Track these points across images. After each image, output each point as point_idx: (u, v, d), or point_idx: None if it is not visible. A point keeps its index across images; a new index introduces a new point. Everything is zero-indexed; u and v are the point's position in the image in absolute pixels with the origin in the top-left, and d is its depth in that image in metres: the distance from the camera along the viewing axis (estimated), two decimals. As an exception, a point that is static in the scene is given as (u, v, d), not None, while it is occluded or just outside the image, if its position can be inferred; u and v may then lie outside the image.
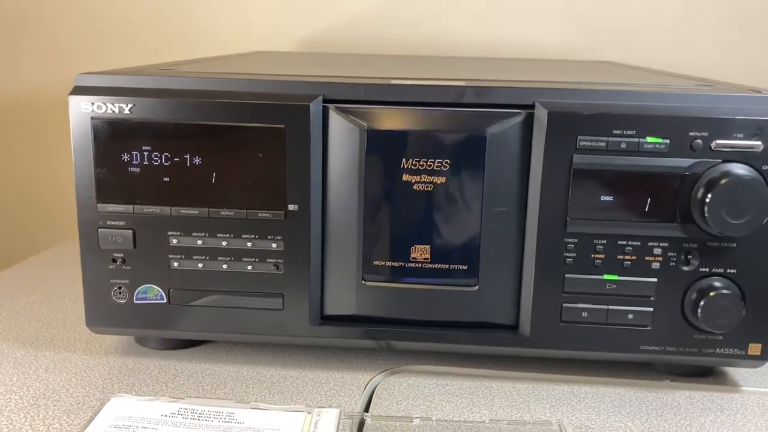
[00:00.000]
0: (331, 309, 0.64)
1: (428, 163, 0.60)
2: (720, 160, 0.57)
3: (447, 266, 0.62)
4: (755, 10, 1.13)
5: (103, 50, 1.18)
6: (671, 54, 1.15)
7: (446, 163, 0.60)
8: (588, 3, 1.15)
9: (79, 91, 0.60)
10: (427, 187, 0.60)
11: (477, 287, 0.62)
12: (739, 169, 0.57)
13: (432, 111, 0.60)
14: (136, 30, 1.18)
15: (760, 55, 1.15)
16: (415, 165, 0.60)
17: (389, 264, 0.62)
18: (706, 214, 0.56)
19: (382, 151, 0.60)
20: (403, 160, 0.60)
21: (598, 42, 1.16)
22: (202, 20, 1.17)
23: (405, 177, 0.60)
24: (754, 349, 0.61)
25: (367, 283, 0.63)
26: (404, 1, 1.16)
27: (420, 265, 0.62)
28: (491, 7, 1.16)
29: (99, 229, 0.62)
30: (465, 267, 0.62)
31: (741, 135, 0.57)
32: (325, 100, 0.60)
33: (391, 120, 0.60)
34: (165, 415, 0.54)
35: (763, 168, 0.57)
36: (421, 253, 0.62)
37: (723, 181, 0.56)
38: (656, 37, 1.16)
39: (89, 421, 0.53)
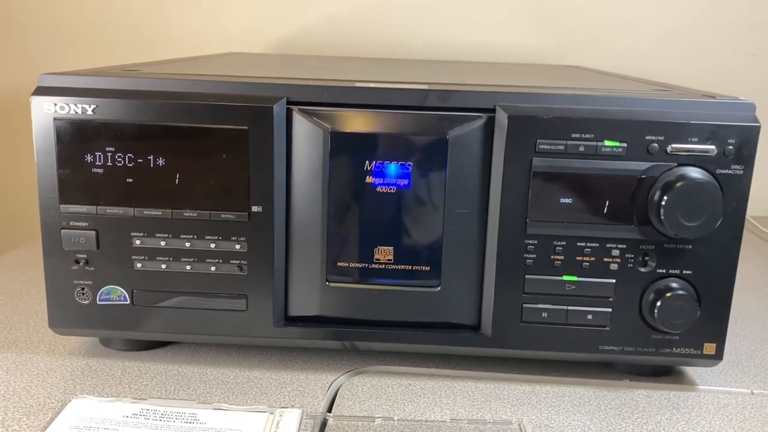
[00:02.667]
0: (295, 310, 0.64)
1: (391, 166, 0.60)
2: (675, 164, 0.59)
3: (410, 267, 0.62)
4: (727, 17, 1.16)
5: (73, 52, 1.18)
6: (643, 59, 1.17)
7: (409, 165, 0.60)
8: (561, 8, 1.17)
9: (41, 91, 0.60)
10: (390, 189, 0.61)
11: (439, 288, 0.63)
12: (694, 172, 0.58)
13: (395, 114, 0.60)
14: (110, 32, 1.17)
15: (728, 61, 1.17)
16: (379, 167, 0.61)
17: (353, 265, 0.63)
18: (662, 217, 0.58)
19: (346, 153, 0.61)
20: (367, 162, 0.61)
21: (570, 47, 1.18)
22: (174, 22, 1.17)
23: (368, 179, 0.61)
24: (709, 348, 0.62)
25: (331, 284, 0.63)
26: (377, 5, 1.17)
27: (383, 266, 0.62)
28: (465, 11, 1.17)
29: (62, 230, 0.62)
30: (428, 268, 0.62)
31: (696, 139, 0.58)
32: (288, 102, 0.60)
33: (354, 122, 0.60)
34: (127, 416, 0.54)
35: (717, 172, 0.58)
36: (384, 254, 0.62)
37: (678, 184, 0.57)
38: (628, 43, 1.17)
39: (49, 423, 0.53)
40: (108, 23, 1.17)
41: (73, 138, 0.60)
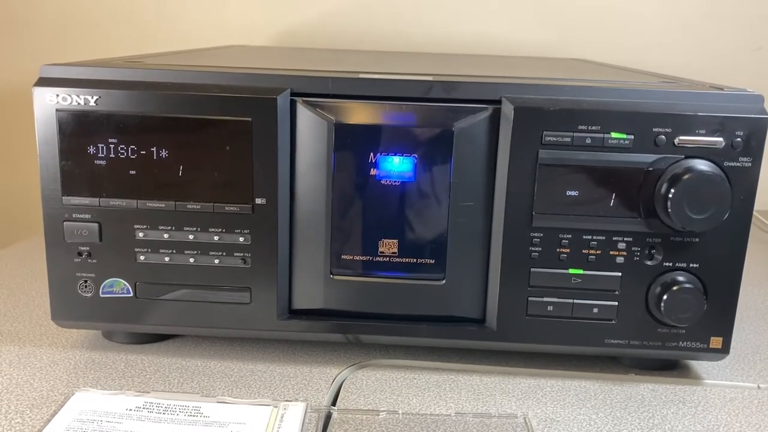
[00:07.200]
0: (299, 303, 0.64)
1: (396, 158, 0.60)
2: (683, 156, 0.58)
3: (414, 260, 0.62)
4: (732, 10, 1.15)
5: (71, 46, 1.17)
6: (647, 53, 1.17)
7: (414, 157, 0.60)
8: (564, 1, 1.16)
9: (44, 82, 0.60)
10: (395, 181, 0.60)
11: (444, 281, 0.62)
12: (702, 165, 0.58)
13: (400, 105, 0.60)
14: (108, 26, 1.17)
15: (733, 54, 1.17)
16: (383, 159, 0.60)
17: (357, 258, 0.62)
18: (669, 209, 0.57)
19: (350, 145, 0.60)
20: (371, 154, 0.60)
21: (573, 40, 1.17)
22: (177, 15, 1.16)
23: (373, 171, 0.60)
24: (716, 342, 0.62)
25: (335, 277, 0.63)
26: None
27: (388, 259, 0.62)
28: (468, 4, 1.16)
29: (64, 223, 0.61)
30: (432, 261, 0.62)
31: (703, 131, 0.58)
32: (292, 94, 0.60)
33: (359, 114, 0.60)
34: (130, 410, 0.54)
35: (724, 164, 0.58)
36: (388, 247, 0.62)
37: (685, 177, 0.57)
38: (631, 37, 1.17)
39: (52, 415, 0.52)
40: (106, 17, 1.16)
41: (76, 129, 0.60)
